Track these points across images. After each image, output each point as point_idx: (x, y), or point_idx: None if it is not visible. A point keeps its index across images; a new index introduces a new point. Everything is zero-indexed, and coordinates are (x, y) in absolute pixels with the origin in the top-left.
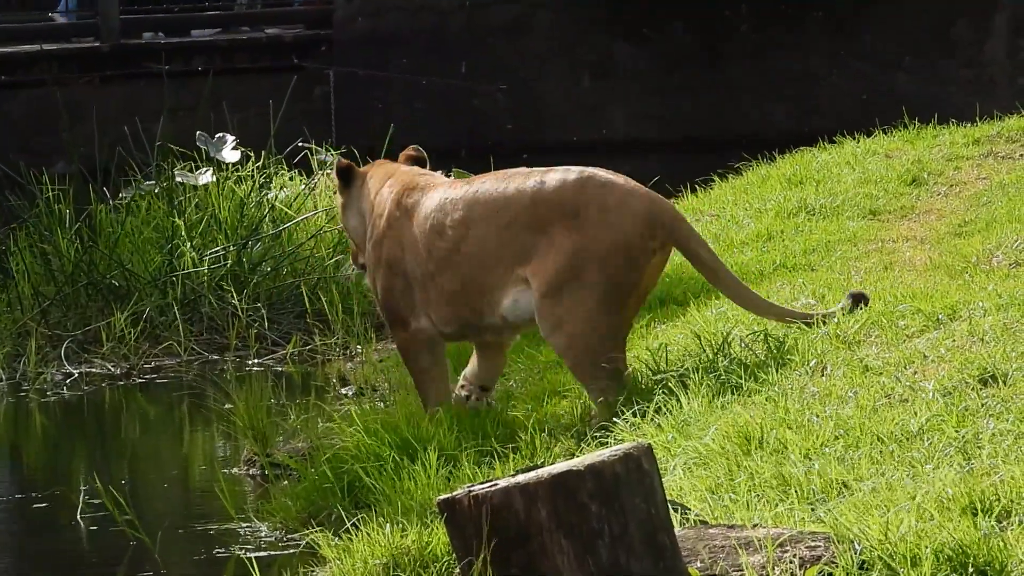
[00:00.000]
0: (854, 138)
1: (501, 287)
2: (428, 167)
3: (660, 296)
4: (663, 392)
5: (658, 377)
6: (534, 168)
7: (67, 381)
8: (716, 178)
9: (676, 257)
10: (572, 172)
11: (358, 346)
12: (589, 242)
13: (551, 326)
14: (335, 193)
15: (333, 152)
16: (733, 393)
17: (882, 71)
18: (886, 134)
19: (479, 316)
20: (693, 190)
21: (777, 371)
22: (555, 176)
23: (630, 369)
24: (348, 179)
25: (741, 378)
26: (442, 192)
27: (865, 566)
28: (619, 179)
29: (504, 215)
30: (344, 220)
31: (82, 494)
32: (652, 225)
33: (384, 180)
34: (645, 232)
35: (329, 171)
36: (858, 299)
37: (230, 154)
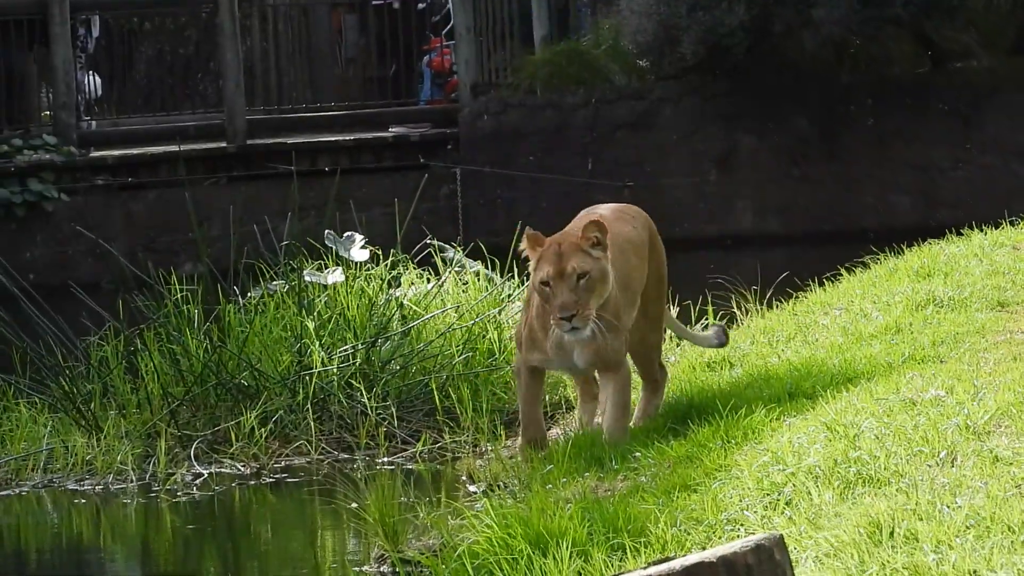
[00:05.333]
0: (981, 230)
1: None
2: None
3: (789, 389)
4: (794, 485)
5: (789, 470)
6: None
7: (197, 481)
8: (843, 271)
9: (804, 350)
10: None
11: (487, 443)
12: None
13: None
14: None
15: (459, 250)
16: (864, 485)
17: (1007, 161)
18: (1014, 226)
19: None
20: (821, 284)
21: (908, 462)
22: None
23: None
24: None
25: (872, 470)
26: None
27: None
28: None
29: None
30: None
31: None
32: None
33: None
34: None
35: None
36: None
37: (358, 253)
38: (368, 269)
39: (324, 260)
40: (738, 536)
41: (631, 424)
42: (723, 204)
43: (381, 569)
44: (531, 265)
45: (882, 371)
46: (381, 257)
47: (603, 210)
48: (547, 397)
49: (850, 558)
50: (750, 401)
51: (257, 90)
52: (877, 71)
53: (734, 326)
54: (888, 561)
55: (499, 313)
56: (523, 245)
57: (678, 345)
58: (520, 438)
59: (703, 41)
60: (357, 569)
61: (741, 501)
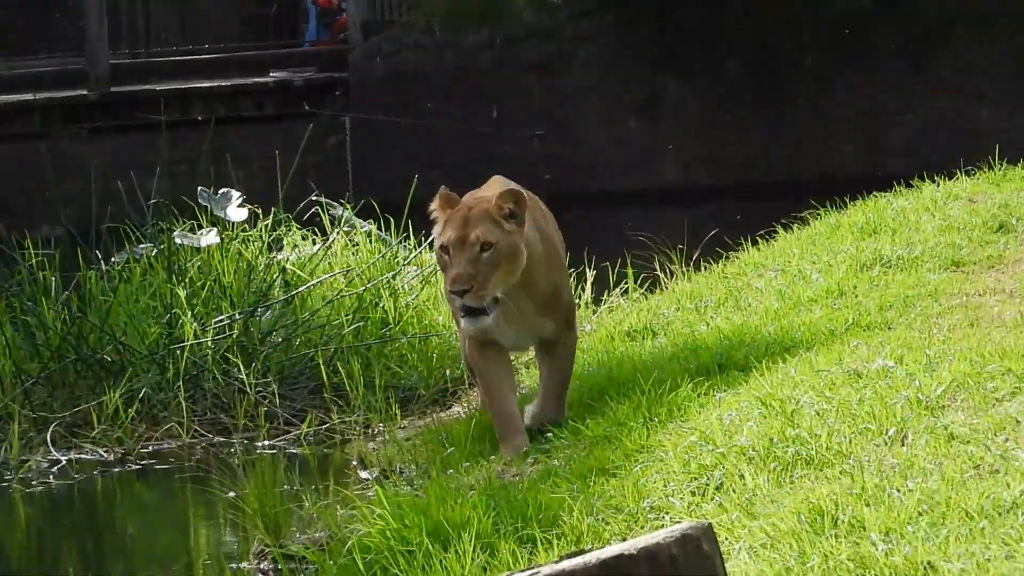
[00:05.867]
0: (933, 181)
1: None
2: None
3: (719, 360)
4: (724, 467)
5: (719, 450)
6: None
7: (54, 469)
8: (780, 229)
9: (736, 317)
10: None
11: (381, 424)
12: None
13: None
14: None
15: (349, 208)
16: (804, 467)
17: (960, 105)
18: (969, 176)
19: None
20: (754, 242)
21: (852, 441)
22: None
23: None
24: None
25: (812, 450)
26: None
27: None
28: None
29: None
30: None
31: None
32: None
33: None
34: None
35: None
36: None
37: (235, 212)
38: (246, 230)
39: (197, 220)
40: (662, 525)
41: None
42: (645, 155)
43: (261, 565)
44: (435, 228)
45: (823, 340)
46: (261, 216)
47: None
48: (446, 371)
49: (788, 548)
50: (675, 374)
51: (122, 31)
52: (816, 6)
53: (657, 290)
54: (831, 552)
55: (393, 278)
56: (433, 204)
57: (595, 313)
58: (504, 449)
59: None
60: (234, 566)
61: (666, 486)
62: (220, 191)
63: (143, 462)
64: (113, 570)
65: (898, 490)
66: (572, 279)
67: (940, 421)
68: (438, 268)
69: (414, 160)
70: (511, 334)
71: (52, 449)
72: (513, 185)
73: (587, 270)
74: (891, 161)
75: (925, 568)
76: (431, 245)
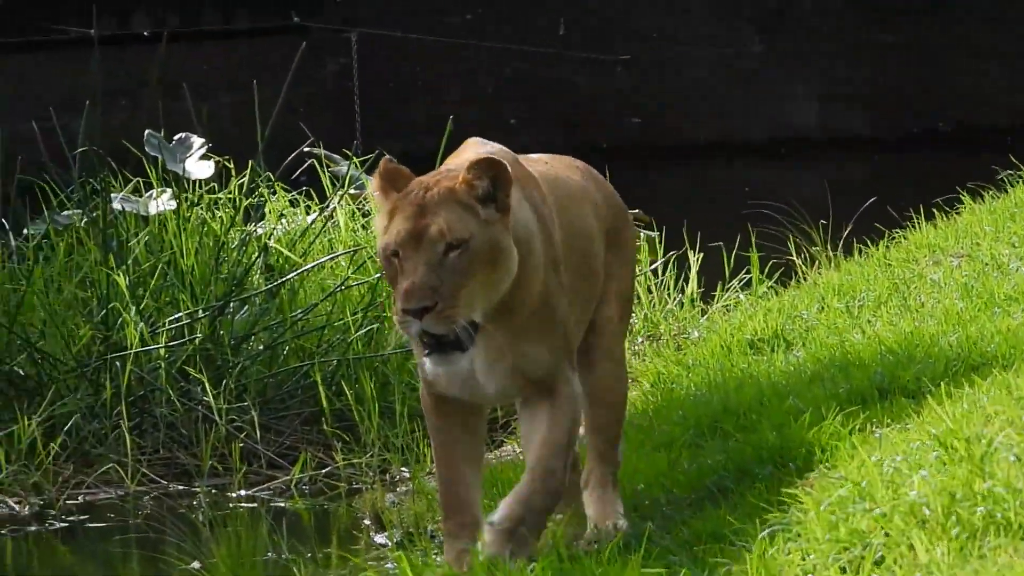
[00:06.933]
0: None
1: None
2: None
3: (879, 383)
4: (887, 533)
5: (879, 510)
6: None
7: None
8: (963, 194)
9: (903, 321)
10: None
11: (403, 468)
12: None
13: None
14: None
15: (355, 160)
16: (998, 535)
17: None
18: None
19: None
20: (927, 215)
21: None
22: None
23: None
24: None
25: (1010, 511)
26: None
27: None
28: None
29: None
30: None
31: None
32: None
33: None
34: None
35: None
36: None
37: (198, 166)
38: (213, 191)
39: (144, 177)
40: None
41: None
42: (770, 88)
43: None
44: (378, 219)
45: None
46: (233, 173)
47: (532, 157)
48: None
49: None
50: (818, 402)
51: None
52: None
53: (791, 282)
54: None
55: None
56: (373, 184)
57: (703, 314)
58: (446, 550)
59: None
60: None
61: (804, 559)
62: (176, 137)
63: (70, 518)
64: None
65: None
66: (669, 265)
67: None
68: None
69: (445, 94)
70: (488, 377)
71: None
72: (493, 148)
73: (690, 253)
74: None
75: None
76: (377, 247)
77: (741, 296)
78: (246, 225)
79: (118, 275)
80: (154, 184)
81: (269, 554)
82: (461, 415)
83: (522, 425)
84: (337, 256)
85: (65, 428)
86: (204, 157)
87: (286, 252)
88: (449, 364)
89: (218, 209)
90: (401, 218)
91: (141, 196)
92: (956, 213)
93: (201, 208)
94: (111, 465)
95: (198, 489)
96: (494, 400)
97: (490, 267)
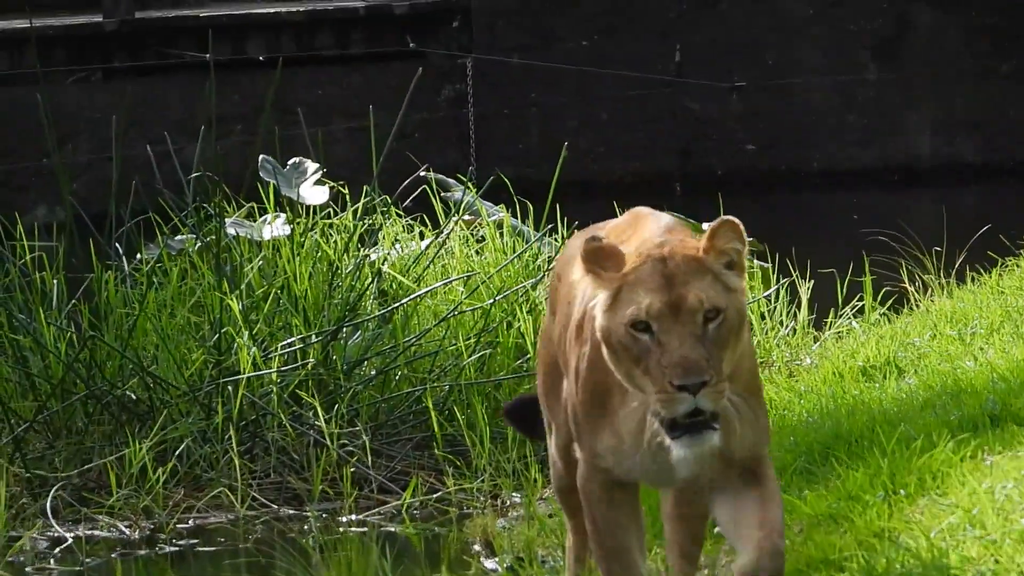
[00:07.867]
0: None
1: None
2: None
3: (991, 411)
4: (999, 560)
5: (990, 536)
6: None
7: (56, 550)
8: None
9: (1017, 349)
10: None
11: (514, 494)
12: None
13: None
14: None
15: (471, 187)
16: None
17: None
18: None
19: None
20: None
21: None
22: None
23: None
24: None
25: None
26: None
27: None
28: None
29: None
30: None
31: None
32: None
33: None
34: None
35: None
36: None
37: (312, 191)
38: (327, 217)
39: (258, 202)
40: None
41: None
42: (886, 116)
43: None
44: (601, 297)
45: None
46: (348, 199)
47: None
48: None
49: None
50: (930, 429)
51: None
52: None
53: (904, 309)
54: None
55: (533, 288)
56: (578, 269)
57: (816, 341)
58: None
59: None
60: None
61: None
62: (290, 161)
63: (180, 542)
64: None
65: None
66: (781, 291)
67: None
68: (613, 359)
69: (561, 121)
70: (686, 461)
71: (53, 522)
72: (667, 218)
73: (801, 280)
74: None
75: None
76: (601, 325)
77: (853, 323)
78: (360, 251)
79: (231, 300)
80: (268, 209)
81: None
82: (628, 500)
83: (720, 516)
84: (451, 281)
85: (176, 452)
86: (319, 182)
87: (400, 277)
88: (702, 445)
89: (332, 235)
90: (645, 291)
91: (255, 221)
92: None
93: (315, 233)
94: (222, 489)
95: (308, 513)
96: (676, 487)
97: (737, 337)
